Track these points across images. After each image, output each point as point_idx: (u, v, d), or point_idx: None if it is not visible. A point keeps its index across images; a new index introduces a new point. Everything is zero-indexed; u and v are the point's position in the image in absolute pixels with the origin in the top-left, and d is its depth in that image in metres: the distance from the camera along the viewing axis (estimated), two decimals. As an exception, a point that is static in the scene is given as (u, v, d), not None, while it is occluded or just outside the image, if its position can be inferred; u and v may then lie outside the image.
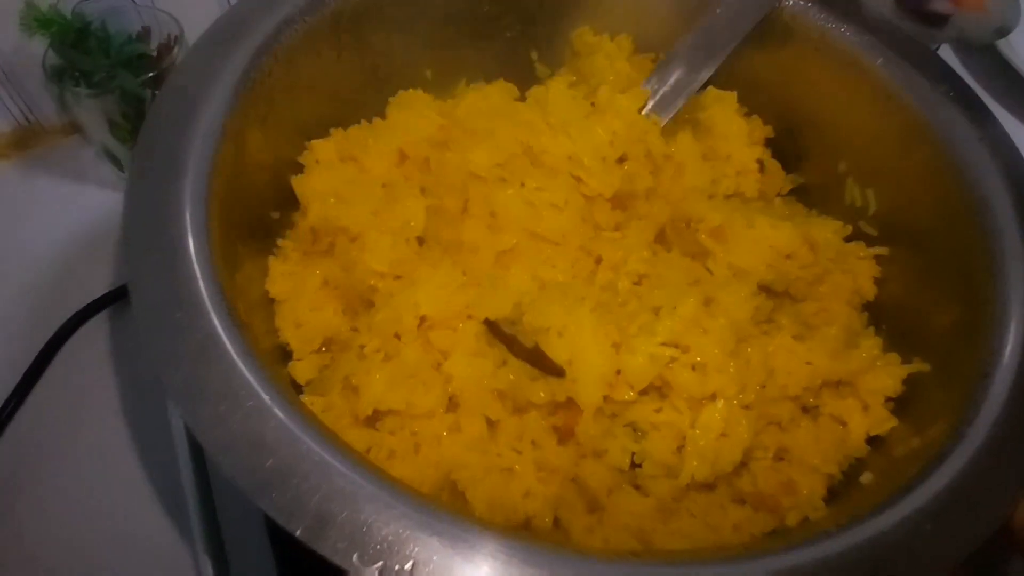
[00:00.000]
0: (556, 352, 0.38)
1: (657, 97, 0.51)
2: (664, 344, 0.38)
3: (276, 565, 0.39)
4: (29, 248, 0.58)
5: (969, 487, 0.31)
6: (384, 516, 0.27)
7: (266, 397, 0.30)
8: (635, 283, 0.44)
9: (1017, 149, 0.45)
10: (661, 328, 0.38)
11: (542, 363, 0.38)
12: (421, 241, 0.45)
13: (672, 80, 0.52)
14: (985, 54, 0.79)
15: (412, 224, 0.43)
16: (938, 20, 0.72)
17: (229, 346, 0.31)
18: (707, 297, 0.40)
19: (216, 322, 0.32)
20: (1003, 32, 0.72)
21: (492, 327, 0.39)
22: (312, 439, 0.29)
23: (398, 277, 0.42)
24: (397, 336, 0.40)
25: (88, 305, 0.55)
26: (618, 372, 0.38)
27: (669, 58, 0.52)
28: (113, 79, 0.56)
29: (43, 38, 0.55)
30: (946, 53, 0.79)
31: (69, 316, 0.54)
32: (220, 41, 0.43)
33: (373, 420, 0.39)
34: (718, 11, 0.51)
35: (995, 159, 0.44)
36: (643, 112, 0.51)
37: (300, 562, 0.34)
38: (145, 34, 0.60)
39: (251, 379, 0.30)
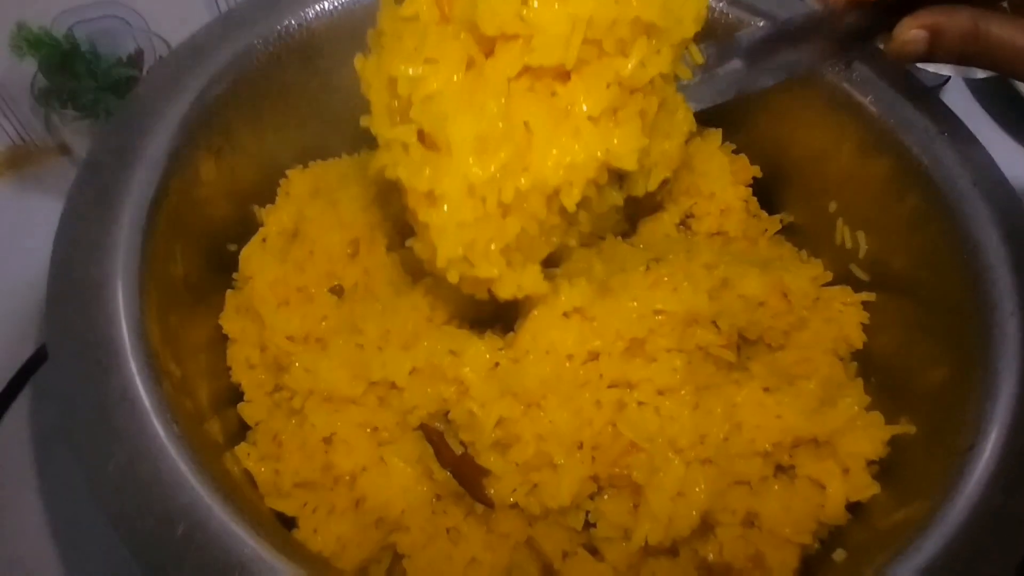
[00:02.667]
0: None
1: (704, 75, 0.42)
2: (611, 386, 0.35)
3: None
4: (20, 266, 0.57)
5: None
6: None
7: (173, 454, 0.28)
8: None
9: (1016, 194, 0.42)
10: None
11: (470, 480, 0.35)
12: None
13: (728, 67, 0.43)
14: (995, 85, 0.76)
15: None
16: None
17: (144, 400, 0.29)
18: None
19: (134, 372, 0.30)
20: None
21: (423, 427, 0.37)
22: (222, 510, 0.27)
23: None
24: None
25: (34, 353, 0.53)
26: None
27: (739, 40, 0.44)
28: (100, 102, 0.56)
29: (34, 58, 0.55)
30: (956, 83, 0.77)
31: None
32: (175, 69, 0.41)
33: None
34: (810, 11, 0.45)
35: (990, 205, 0.41)
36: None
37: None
38: (138, 57, 0.60)
39: (162, 436, 0.28)
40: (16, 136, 0.64)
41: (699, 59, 0.39)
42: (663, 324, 0.38)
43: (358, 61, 0.36)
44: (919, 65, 0.65)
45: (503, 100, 0.33)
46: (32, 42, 0.54)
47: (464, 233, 0.33)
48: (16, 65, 0.57)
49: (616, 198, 0.38)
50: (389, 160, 0.34)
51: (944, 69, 0.70)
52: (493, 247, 0.34)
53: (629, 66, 0.34)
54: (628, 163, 0.35)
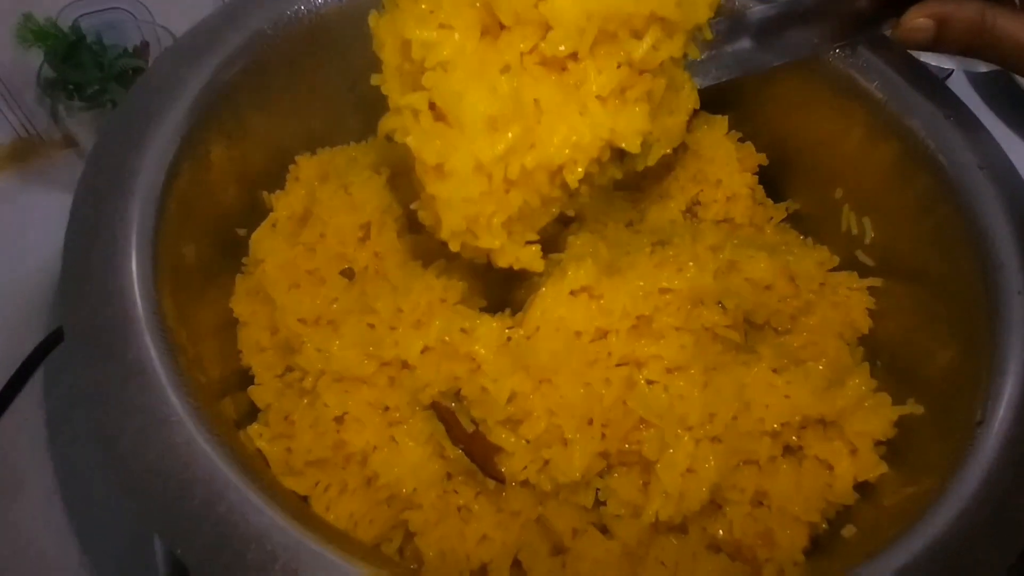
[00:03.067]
0: None
1: (711, 52, 0.42)
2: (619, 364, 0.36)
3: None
4: (25, 257, 0.58)
5: (949, 553, 0.28)
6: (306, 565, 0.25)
7: (191, 428, 0.28)
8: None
9: (1019, 176, 0.42)
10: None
11: (482, 458, 0.35)
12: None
13: (737, 45, 0.43)
14: (997, 79, 0.76)
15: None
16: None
17: (161, 375, 0.29)
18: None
19: (150, 346, 0.30)
20: None
21: (435, 405, 0.37)
22: (237, 478, 0.27)
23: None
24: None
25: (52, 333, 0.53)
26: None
27: (749, 17, 0.44)
28: (106, 93, 0.56)
29: (39, 50, 0.55)
30: (958, 76, 0.77)
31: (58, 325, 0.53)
32: (185, 54, 0.42)
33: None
34: None
35: (997, 188, 0.41)
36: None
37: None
38: (144, 49, 0.60)
39: (180, 410, 0.29)
40: (21, 128, 0.64)
41: (709, 36, 0.39)
42: (669, 303, 0.38)
43: (372, 18, 0.36)
44: (923, 58, 0.65)
45: (515, 80, 0.33)
46: (38, 33, 0.55)
47: (469, 207, 0.34)
48: (21, 58, 0.57)
49: (616, 172, 0.39)
50: (399, 124, 0.35)
51: (946, 62, 0.70)
52: (496, 220, 0.35)
53: (641, 49, 0.34)
54: (632, 145, 0.36)
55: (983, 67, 0.70)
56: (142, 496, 0.27)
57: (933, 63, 0.67)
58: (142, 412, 0.29)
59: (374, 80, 0.37)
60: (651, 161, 0.41)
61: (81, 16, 0.58)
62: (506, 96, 0.33)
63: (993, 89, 0.78)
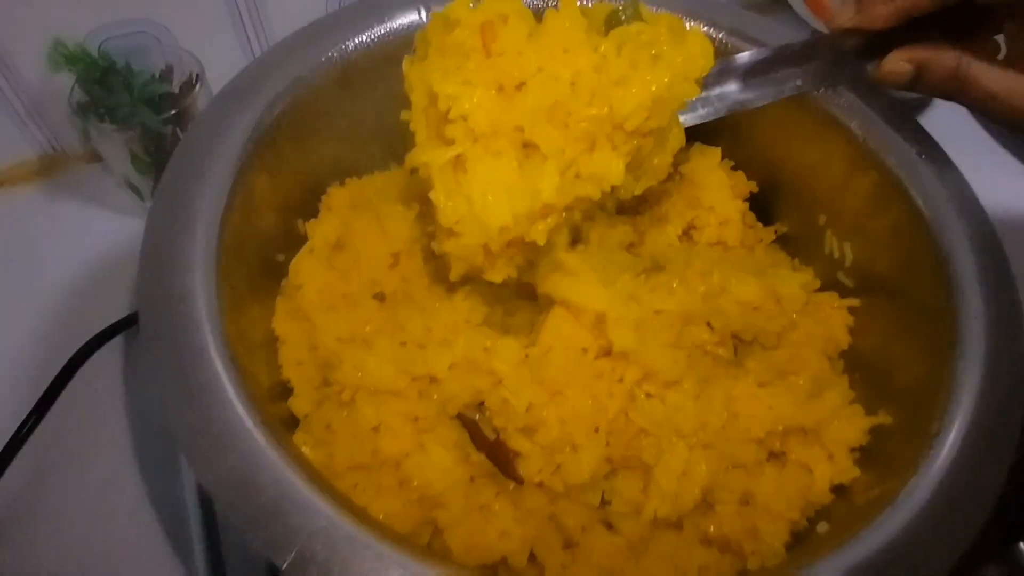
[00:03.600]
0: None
1: (701, 95, 0.44)
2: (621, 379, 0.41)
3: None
4: (51, 270, 0.61)
5: (904, 548, 0.33)
6: (360, 556, 0.30)
7: (260, 439, 0.33)
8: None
9: (982, 210, 0.47)
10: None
11: (502, 462, 0.40)
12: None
13: (725, 88, 0.47)
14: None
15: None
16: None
17: (229, 390, 0.34)
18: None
19: (218, 366, 0.35)
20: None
21: (460, 416, 0.42)
22: (298, 480, 0.32)
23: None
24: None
25: (105, 329, 0.56)
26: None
27: (737, 61, 0.47)
28: (135, 116, 0.59)
29: (70, 73, 0.58)
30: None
31: (89, 337, 0.55)
32: (236, 97, 0.46)
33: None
34: (808, 38, 0.48)
35: (961, 220, 0.46)
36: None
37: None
38: (168, 72, 0.63)
39: (247, 422, 0.33)
40: (48, 145, 0.67)
41: (696, 94, 0.42)
42: (663, 323, 0.43)
43: (405, 63, 0.41)
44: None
45: (523, 149, 0.38)
46: (70, 58, 0.57)
47: (476, 257, 0.39)
48: (48, 78, 0.60)
49: (606, 200, 0.43)
50: (422, 162, 0.39)
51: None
52: (499, 264, 0.40)
53: (633, 123, 0.38)
54: (625, 193, 0.40)
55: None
56: (220, 494, 0.32)
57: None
58: (217, 423, 0.33)
59: (403, 116, 0.42)
60: (638, 191, 0.45)
61: (106, 40, 0.60)
62: (515, 171, 0.38)
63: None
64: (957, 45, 0.41)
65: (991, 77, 0.40)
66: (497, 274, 0.41)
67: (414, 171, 0.41)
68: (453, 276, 0.41)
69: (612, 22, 0.40)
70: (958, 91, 0.41)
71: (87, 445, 0.53)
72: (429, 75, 0.39)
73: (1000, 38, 0.42)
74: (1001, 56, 0.42)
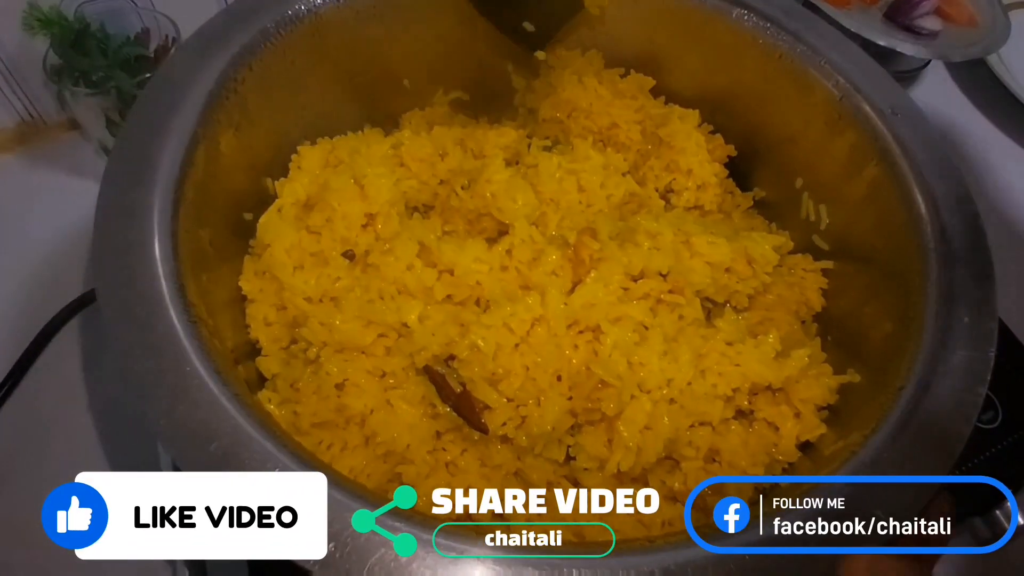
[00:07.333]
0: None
1: None
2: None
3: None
4: (30, 238, 0.60)
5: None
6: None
7: (214, 388, 0.33)
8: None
9: (959, 171, 0.46)
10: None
11: (469, 413, 0.40)
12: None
13: None
14: (975, 69, 0.80)
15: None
16: (927, 35, 0.73)
17: (184, 340, 0.34)
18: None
19: (173, 316, 0.35)
20: (990, 49, 0.74)
21: (427, 370, 0.42)
22: (253, 429, 0.32)
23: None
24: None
25: (83, 294, 0.56)
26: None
27: None
28: (110, 79, 0.58)
29: (45, 37, 0.56)
30: (935, 65, 0.81)
31: (64, 305, 0.55)
32: (197, 51, 0.45)
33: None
34: None
35: (935, 177, 0.45)
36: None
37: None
38: (144, 36, 0.62)
39: (202, 371, 0.33)
40: (25, 112, 0.66)
41: None
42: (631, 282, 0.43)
43: None
44: (900, 48, 0.69)
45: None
46: (44, 21, 0.56)
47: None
48: (25, 44, 0.58)
49: None
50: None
51: (923, 52, 0.73)
52: None
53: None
54: None
55: (958, 56, 0.73)
56: (172, 442, 0.31)
57: (911, 52, 0.71)
58: (172, 373, 0.33)
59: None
60: None
61: (83, 4, 0.59)
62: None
63: (970, 77, 0.81)
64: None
65: None
66: None
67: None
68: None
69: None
70: None
71: (64, 409, 0.52)
72: None
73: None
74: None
